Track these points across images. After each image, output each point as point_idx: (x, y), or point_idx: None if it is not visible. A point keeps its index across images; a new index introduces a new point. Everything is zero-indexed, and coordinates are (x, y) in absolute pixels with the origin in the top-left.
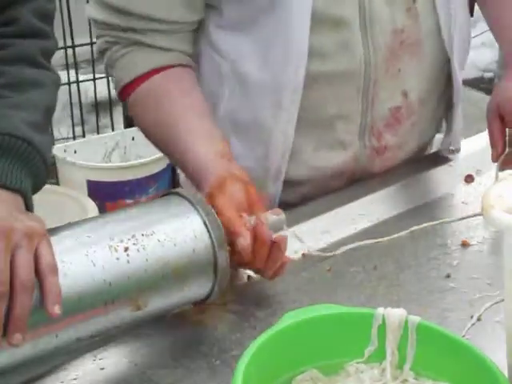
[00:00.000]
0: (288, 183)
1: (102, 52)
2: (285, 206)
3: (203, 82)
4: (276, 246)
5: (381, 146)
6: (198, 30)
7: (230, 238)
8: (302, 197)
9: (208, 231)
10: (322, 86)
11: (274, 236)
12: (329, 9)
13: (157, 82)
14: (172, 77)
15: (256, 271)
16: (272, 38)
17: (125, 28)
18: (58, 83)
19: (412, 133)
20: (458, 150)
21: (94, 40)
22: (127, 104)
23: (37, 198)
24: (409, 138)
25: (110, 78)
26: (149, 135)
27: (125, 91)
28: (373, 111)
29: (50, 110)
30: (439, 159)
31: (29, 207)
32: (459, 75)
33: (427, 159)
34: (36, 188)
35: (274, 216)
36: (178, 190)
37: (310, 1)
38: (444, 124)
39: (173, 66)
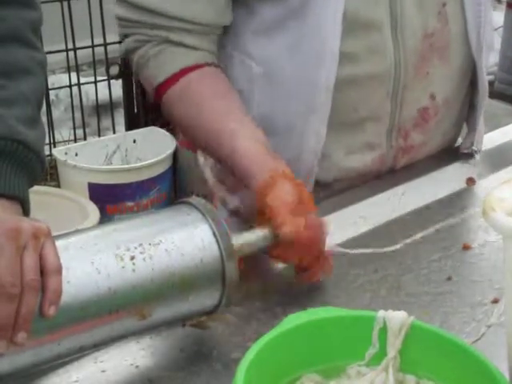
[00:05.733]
0: (316, 184)
1: (131, 51)
2: None
3: (234, 86)
4: (316, 230)
5: (407, 146)
6: (225, 33)
7: (282, 237)
8: (327, 196)
9: (217, 241)
10: (352, 88)
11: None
12: (360, 12)
13: (194, 80)
14: (209, 75)
15: (300, 275)
16: (303, 42)
17: (153, 25)
18: (45, 65)
19: (436, 131)
20: (479, 150)
21: (96, 42)
22: (163, 101)
23: (38, 201)
24: (432, 136)
25: (110, 81)
26: (188, 133)
27: (161, 89)
28: (401, 113)
29: (40, 99)
30: (442, 161)
31: (26, 213)
32: (485, 77)
33: (429, 161)
34: (31, 185)
35: None
36: (188, 199)
37: (342, 4)
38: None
39: (206, 64)
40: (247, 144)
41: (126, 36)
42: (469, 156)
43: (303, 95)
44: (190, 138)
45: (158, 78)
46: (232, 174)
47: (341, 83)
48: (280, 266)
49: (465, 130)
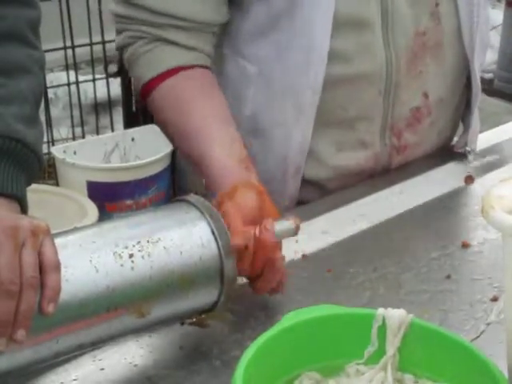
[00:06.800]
0: (309, 182)
1: (123, 47)
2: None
3: (228, 85)
4: (270, 265)
5: (401, 145)
6: (220, 34)
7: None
8: (322, 195)
9: (215, 239)
10: (343, 87)
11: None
12: (351, 11)
13: (180, 81)
14: (196, 77)
15: (252, 285)
16: (294, 42)
17: (149, 23)
18: (43, 64)
19: (430, 132)
20: (473, 150)
21: (94, 41)
22: (148, 100)
23: (36, 199)
24: (427, 136)
25: (109, 79)
26: (168, 133)
27: (147, 87)
28: (394, 112)
29: (38, 97)
30: (439, 160)
31: (24, 212)
32: (478, 76)
33: (427, 160)
34: (29, 183)
35: (283, 223)
36: (186, 196)
37: (333, 3)
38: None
39: (196, 66)
40: (220, 151)
41: (119, 32)
42: (464, 155)
43: (291, 95)
44: (169, 138)
45: (145, 77)
46: (203, 177)
47: (332, 82)
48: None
49: (461, 128)
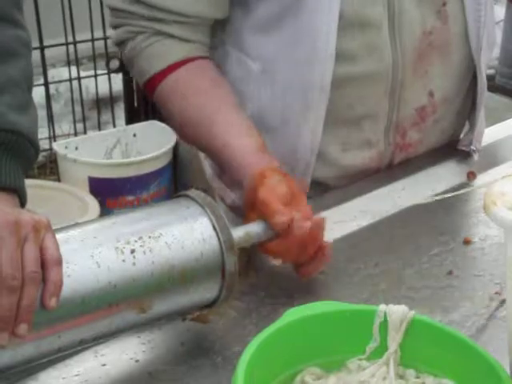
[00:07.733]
0: (314, 182)
1: (122, 42)
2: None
3: (231, 82)
4: (322, 250)
5: (404, 143)
6: (221, 29)
7: (275, 227)
8: (328, 191)
9: (217, 234)
10: (349, 87)
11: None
12: (357, 10)
13: (187, 73)
14: (203, 67)
15: (299, 270)
16: (298, 39)
17: (148, 17)
18: (30, 45)
19: (434, 129)
20: (478, 150)
21: (96, 36)
22: (155, 93)
23: (38, 195)
24: (430, 133)
25: (110, 75)
26: (178, 127)
27: (152, 81)
28: (399, 111)
29: (30, 81)
30: (441, 156)
31: (23, 203)
32: (484, 76)
33: (429, 156)
34: (25, 172)
35: None
36: (187, 192)
37: (337, 2)
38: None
39: (199, 57)
40: (240, 139)
41: (116, 27)
42: (467, 152)
43: (299, 93)
44: (181, 132)
45: (149, 72)
46: (222, 168)
47: (338, 81)
48: (277, 263)
49: (467, 127)
